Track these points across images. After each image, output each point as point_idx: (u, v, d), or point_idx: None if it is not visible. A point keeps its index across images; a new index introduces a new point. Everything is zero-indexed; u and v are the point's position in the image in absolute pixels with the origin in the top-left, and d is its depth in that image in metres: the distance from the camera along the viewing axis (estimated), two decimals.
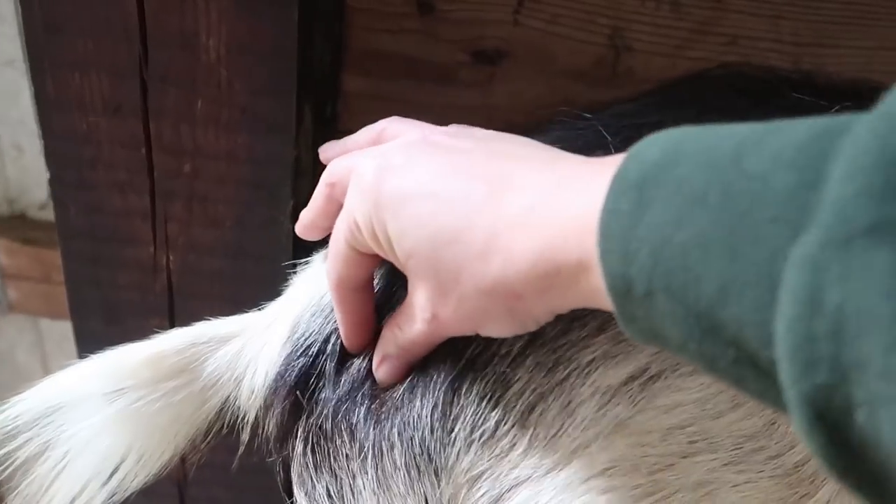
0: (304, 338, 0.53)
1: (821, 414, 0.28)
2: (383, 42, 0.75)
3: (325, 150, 0.59)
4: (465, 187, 0.42)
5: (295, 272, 0.61)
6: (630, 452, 0.45)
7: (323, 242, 0.62)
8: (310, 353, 0.53)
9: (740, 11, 0.71)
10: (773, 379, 0.30)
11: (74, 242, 0.76)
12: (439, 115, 0.56)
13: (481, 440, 0.47)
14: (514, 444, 0.46)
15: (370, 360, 0.51)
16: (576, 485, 0.45)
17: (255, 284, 0.77)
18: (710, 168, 0.32)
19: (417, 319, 0.46)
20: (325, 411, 0.52)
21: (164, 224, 0.74)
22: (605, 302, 0.37)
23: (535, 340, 0.47)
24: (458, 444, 0.47)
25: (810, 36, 0.72)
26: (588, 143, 0.52)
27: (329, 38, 0.73)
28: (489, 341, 0.48)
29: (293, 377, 0.53)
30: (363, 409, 0.50)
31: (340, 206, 0.50)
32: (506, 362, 0.47)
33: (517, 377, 0.47)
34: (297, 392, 0.53)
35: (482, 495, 0.47)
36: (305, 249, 0.62)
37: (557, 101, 0.75)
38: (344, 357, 0.52)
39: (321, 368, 0.52)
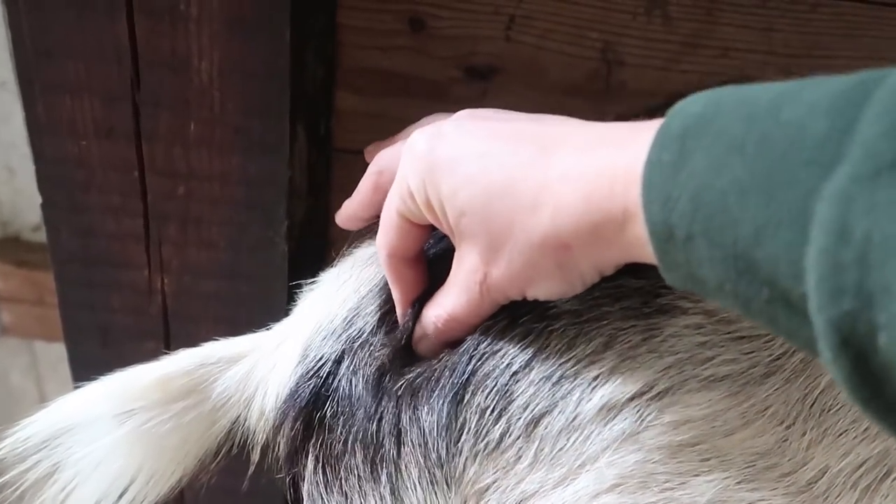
0: (315, 360, 0.53)
1: (846, 340, 0.29)
2: (375, 59, 0.75)
3: (371, 150, 0.61)
4: (513, 147, 0.44)
5: (296, 292, 0.61)
6: (639, 469, 0.44)
7: (319, 262, 0.61)
8: (321, 374, 0.53)
9: (731, 24, 0.72)
10: (804, 315, 0.31)
11: (68, 266, 0.76)
12: None
13: (486, 451, 0.47)
14: (520, 457, 0.46)
15: (383, 378, 0.51)
16: (584, 500, 0.45)
17: (250, 305, 0.77)
18: (748, 119, 0.34)
19: (466, 286, 0.47)
20: (337, 431, 0.52)
21: (158, 246, 0.74)
22: (648, 252, 0.38)
23: (539, 354, 0.47)
24: (464, 454, 0.47)
25: (801, 47, 0.72)
26: None
27: (321, 57, 0.73)
28: (491, 351, 0.48)
29: (305, 398, 0.53)
30: (378, 427, 0.50)
31: (385, 196, 0.51)
32: (508, 374, 0.47)
33: (521, 390, 0.47)
34: (308, 412, 0.53)
35: None
36: (301, 270, 0.62)
37: None
38: (360, 375, 0.52)
39: (333, 389, 0.52)
